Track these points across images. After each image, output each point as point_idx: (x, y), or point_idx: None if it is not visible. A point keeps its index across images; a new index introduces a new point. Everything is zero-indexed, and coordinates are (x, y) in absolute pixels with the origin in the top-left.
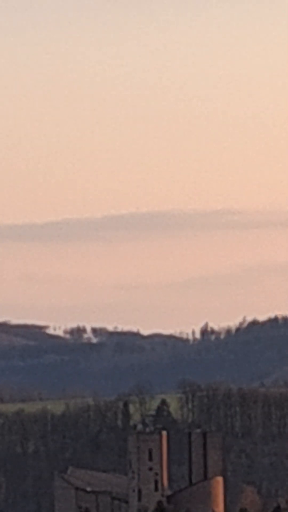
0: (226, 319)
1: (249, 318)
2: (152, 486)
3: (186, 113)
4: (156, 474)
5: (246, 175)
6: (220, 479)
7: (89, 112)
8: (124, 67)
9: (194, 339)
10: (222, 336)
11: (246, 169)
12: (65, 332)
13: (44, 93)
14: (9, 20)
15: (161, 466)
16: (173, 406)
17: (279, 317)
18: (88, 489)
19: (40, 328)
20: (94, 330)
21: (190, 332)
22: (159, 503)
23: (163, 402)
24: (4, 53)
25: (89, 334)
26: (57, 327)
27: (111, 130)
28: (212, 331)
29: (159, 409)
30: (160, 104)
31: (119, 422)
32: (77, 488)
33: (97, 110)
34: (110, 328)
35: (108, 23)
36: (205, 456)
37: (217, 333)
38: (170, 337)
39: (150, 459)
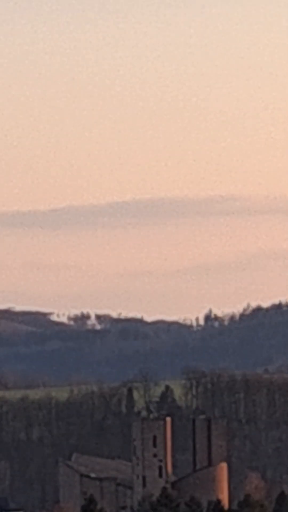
0: (230, 306)
1: (253, 304)
2: (157, 472)
3: (188, 99)
4: (161, 460)
5: (249, 161)
6: (224, 465)
7: (93, 99)
8: (124, 54)
9: (198, 325)
10: (226, 323)
11: (249, 156)
12: (69, 318)
13: (47, 80)
14: (9, 19)
15: (165, 452)
16: (177, 392)
17: (283, 303)
18: (93, 475)
19: (44, 315)
20: (98, 317)
21: (194, 318)
22: (164, 489)
23: (167, 388)
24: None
25: (93, 321)
26: (61, 314)
27: (114, 117)
28: (216, 318)
29: (163, 396)
30: (162, 91)
31: (124, 409)
32: (81, 475)
33: (100, 97)
34: (114, 314)
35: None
36: (209, 442)
37: (221, 320)
38: (174, 323)
39: (155, 445)
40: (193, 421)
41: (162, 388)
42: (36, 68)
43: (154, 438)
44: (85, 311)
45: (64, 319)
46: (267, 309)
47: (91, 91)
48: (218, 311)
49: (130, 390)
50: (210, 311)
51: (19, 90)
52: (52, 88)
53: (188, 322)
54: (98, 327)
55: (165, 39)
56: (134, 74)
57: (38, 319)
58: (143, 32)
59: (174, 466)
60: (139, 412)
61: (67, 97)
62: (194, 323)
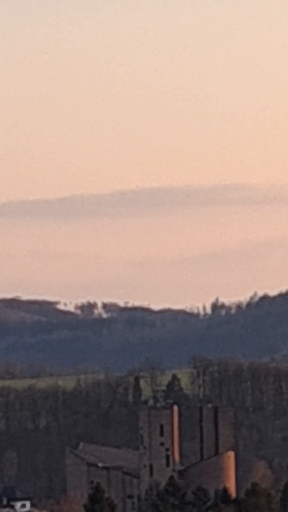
0: (236, 294)
1: (260, 293)
2: (164, 461)
3: (191, 89)
4: (168, 449)
5: (255, 150)
6: (231, 454)
7: (96, 88)
8: (126, 46)
9: (205, 314)
10: (232, 311)
11: (253, 144)
12: (76, 307)
13: (50, 72)
14: (9, 18)
15: (172, 441)
16: (184, 381)
17: None
18: (100, 464)
19: (51, 304)
20: (105, 306)
21: (200, 307)
22: (171, 478)
23: (174, 377)
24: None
25: (99, 310)
26: (68, 302)
27: (118, 106)
28: (223, 306)
29: (170, 384)
30: (165, 80)
31: (130, 398)
32: (88, 464)
33: (105, 87)
34: (120, 303)
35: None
36: (216, 431)
37: (228, 308)
38: (181, 312)
39: (162, 434)
40: (200, 409)
41: (169, 377)
42: (37, 59)
43: (161, 427)
44: (91, 300)
45: (70, 308)
46: (274, 298)
47: (95, 82)
48: (225, 300)
49: (137, 379)
50: (217, 299)
51: (22, 82)
52: (56, 79)
53: (195, 311)
54: (104, 316)
55: (164, 28)
56: (136, 64)
57: (45, 308)
58: (143, 27)
59: (181, 455)
60: (146, 401)
61: (71, 88)
62: (201, 312)
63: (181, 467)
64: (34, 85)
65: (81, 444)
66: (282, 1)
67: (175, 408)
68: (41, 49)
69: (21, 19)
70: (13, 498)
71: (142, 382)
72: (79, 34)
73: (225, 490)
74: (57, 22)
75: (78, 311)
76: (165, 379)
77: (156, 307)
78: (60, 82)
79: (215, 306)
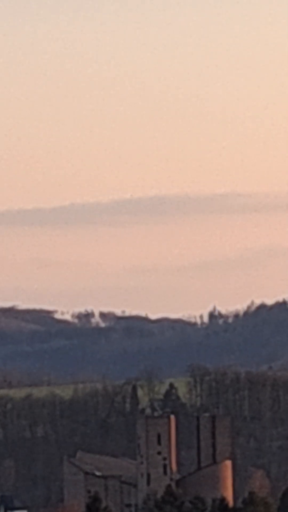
0: (234, 303)
1: (257, 302)
2: (161, 470)
3: (189, 97)
4: (165, 458)
5: (252, 158)
6: (228, 463)
7: (95, 97)
8: (125, 53)
9: (202, 323)
10: (230, 320)
11: (252, 152)
12: (73, 316)
13: (49, 79)
14: (9, 18)
15: (169, 450)
16: (182, 390)
17: (287, 300)
18: (97, 473)
19: (48, 312)
20: (102, 315)
21: (198, 316)
22: (168, 487)
23: (172, 386)
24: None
25: (97, 319)
26: (65, 311)
27: (117, 115)
28: (220, 315)
29: (167, 393)
30: (163, 89)
31: (128, 406)
32: (86, 473)
33: (102, 96)
34: (118, 312)
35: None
36: (213, 440)
37: (225, 317)
38: (178, 321)
39: (159, 443)
40: (197, 418)
41: (166, 385)
42: (37, 65)
43: (159, 436)
44: (89, 309)
45: (68, 317)
46: (271, 307)
47: (92, 90)
48: (222, 309)
49: (134, 388)
50: (214, 308)
51: (20, 89)
52: (54, 87)
53: (192, 320)
54: (102, 325)
55: (165, 34)
56: (135, 72)
57: (42, 317)
58: (143, 27)
59: (178, 463)
60: (143, 410)
61: (69, 96)
62: (199, 321)
63: (179, 476)
64: (30, 95)
65: (79, 453)
66: (282, 1)
67: (173, 417)
68: (41, 49)
69: (21, 19)
70: (10, 507)
71: (139, 391)
72: (79, 34)
73: (223, 499)
74: (57, 22)
75: (76, 320)
76: (163, 388)
77: (153, 316)
78: (57, 92)
79: (213, 315)
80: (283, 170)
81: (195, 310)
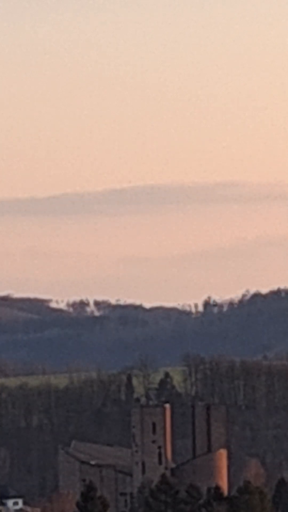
0: (228, 292)
1: (252, 291)
2: (156, 459)
3: (188, 86)
4: (160, 447)
5: (247, 147)
6: (224, 451)
7: (93, 87)
8: (124, 42)
9: (197, 312)
10: (225, 309)
11: (247, 142)
12: (68, 305)
13: (45, 69)
14: (9, 18)
15: (164, 439)
16: (177, 379)
17: (282, 289)
18: (92, 462)
19: (43, 301)
20: (97, 304)
21: (193, 305)
22: (163, 476)
23: (167, 375)
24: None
25: (92, 308)
26: (60, 300)
27: (113, 104)
28: (215, 304)
29: (162, 382)
30: (162, 78)
31: (123, 396)
32: (81, 462)
33: (100, 85)
34: (113, 301)
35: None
36: (208, 429)
37: (220, 306)
38: (173, 310)
39: (154, 432)
40: (193, 407)
41: (161, 374)
42: (35, 57)
43: (154, 425)
44: (84, 298)
45: (63, 306)
46: (266, 296)
47: (90, 79)
48: (217, 298)
49: (129, 377)
50: (209, 297)
51: (17, 80)
52: (51, 77)
53: (187, 309)
54: (97, 313)
55: (165, 26)
56: (134, 62)
57: (37, 306)
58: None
59: (173, 452)
60: (138, 399)
61: (66, 86)
62: (193, 310)
63: (174, 465)
64: (27, 85)
65: (74, 442)
66: (282, 1)
67: (168, 406)
68: (40, 49)
69: (21, 19)
70: (5, 496)
71: (134, 380)
72: (79, 34)
73: (218, 488)
74: (57, 22)
75: (70, 309)
76: (158, 377)
77: (148, 305)
78: (54, 82)
79: (207, 304)
80: (279, 160)
81: (190, 299)
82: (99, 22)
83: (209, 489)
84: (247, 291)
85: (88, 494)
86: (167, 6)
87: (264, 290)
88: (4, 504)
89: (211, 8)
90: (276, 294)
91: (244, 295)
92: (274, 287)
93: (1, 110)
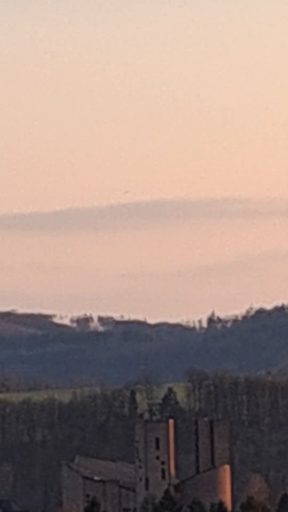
0: (232, 308)
1: (256, 307)
2: (159, 474)
3: (188, 101)
4: (163, 462)
5: (250, 163)
6: (227, 467)
7: (94, 101)
8: (124, 55)
9: (201, 327)
10: (228, 325)
11: (250, 157)
12: (72, 321)
13: (47, 82)
14: (9, 18)
15: (168, 454)
16: (180, 394)
17: (286, 305)
18: (96, 478)
19: (47, 317)
20: (101, 319)
21: (196, 320)
22: (167, 491)
23: (170, 390)
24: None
25: (95, 323)
26: (64, 316)
27: (116, 119)
28: (219, 320)
29: (166, 398)
30: (162, 92)
31: (126, 411)
32: (84, 477)
33: (102, 99)
34: (116, 317)
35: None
36: (212, 444)
37: (224, 322)
38: (177, 325)
39: (157, 447)
40: (196, 423)
41: (165, 390)
42: (37, 67)
43: (157, 440)
44: (87, 313)
45: (66, 321)
46: (270, 311)
47: (92, 93)
48: (221, 313)
49: (132, 393)
50: (213, 313)
51: (19, 91)
52: (53, 89)
53: (191, 324)
54: (100, 329)
55: (165, 36)
56: (134, 75)
57: (41, 321)
58: (143, 29)
59: (176, 468)
60: (141, 415)
61: (68, 99)
62: (197, 325)
63: (177, 481)
64: (30, 98)
65: (77, 458)
66: (282, 1)
67: (171, 421)
68: (40, 50)
69: (21, 19)
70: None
71: (138, 396)
72: (79, 34)
73: (221, 504)
74: (57, 22)
75: (74, 324)
76: (161, 392)
77: (152, 320)
78: (56, 95)
79: (211, 320)
80: (282, 175)
81: (193, 315)
82: (99, 22)
83: (212, 505)
84: (251, 307)
85: (91, 510)
86: (167, 6)
87: (268, 306)
88: None
89: (211, 12)
90: (280, 310)
91: (248, 311)
92: (278, 303)
93: (4, 123)
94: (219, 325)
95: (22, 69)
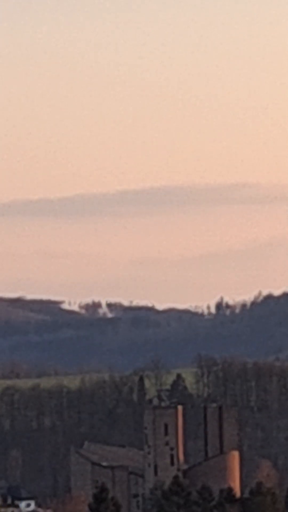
0: (241, 294)
1: (264, 292)
2: (168, 460)
3: (193, 88)
4: (172, 448)
5: (258, 149)
6: (236, 453)
7: (100, 89)
8: (126, 44)
9: (209, 313)
10: (237, 311)
11: (260, 143)
12: (81, 307)
13: (52, 71)
14: (9, 18)
15: (177, 440)
16: (189, 380)
17: None
18: (104, 464)
19: (56, 303)
20: (110, 305)
21: (205, 306)
22: (175, 477)
23: (179, 376)
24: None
25: (104, 309)
26: (73, 302)
27: (121, 106)
28: (227, 306)
29: (174, 384)
30: (166, 80)
31: (135, 397)
32: (93, 463)
33: (107, 87)
34: (125, 303)
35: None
36: (221, 430)
37: (232, 308)
38: (185, 311)
39: (166, 433)
40: (205, 409)
41: (174, 376)
42: (40, 59)
43: (166, 426)
44: (96, 300)
45: (75, 308)
46: (278, 297)
47: (95, 82)
48: (229, 299)
49: (141, 379)
50: (222, 299)
51: (23, 81)
52: (58, 78)
53: (200, 310)
54: (109, 315)
55: (166, 27)
56: (136, 62)
57: (50, 307)
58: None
59: (185, 454)
60: (150, 400)
61: (73, 88)
62: (206, 311)
63: (186, 467)
64: (35, 85)
65: (86, 444)
66: (282, 1)
67: (180, 407)
68: (41, 49)
69: (21, 19)
70: (17, 498)
71: (146, 382)
72: (79, 34)
73: (230, 490)
74: (57, 22)
75: (83, 311)
76: (170, 378)
77: (160, 306)
78: (61, 82)
79: (220, 306)
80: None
81: (202, 301)
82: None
83: (221, 491)
84: (260, 293)
85: (100, 496)
86: (167, 6)
87: (277, 292)
88: (16, 506)
89: (211, 12)
90: None
91: (256, 297)
92: (287, 288)
93: (8, 113)
94: (227, 311)
95: (22, 65)
